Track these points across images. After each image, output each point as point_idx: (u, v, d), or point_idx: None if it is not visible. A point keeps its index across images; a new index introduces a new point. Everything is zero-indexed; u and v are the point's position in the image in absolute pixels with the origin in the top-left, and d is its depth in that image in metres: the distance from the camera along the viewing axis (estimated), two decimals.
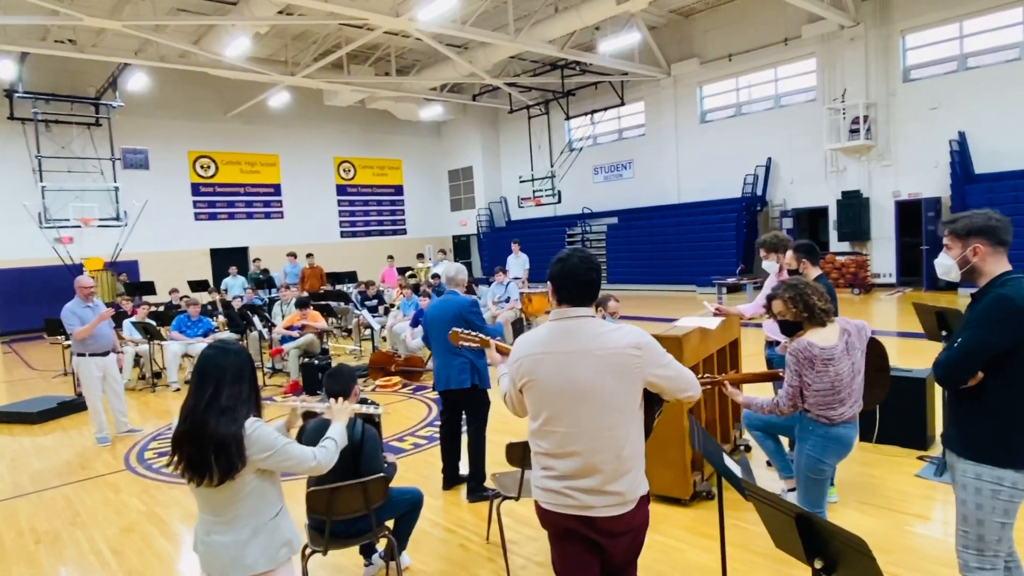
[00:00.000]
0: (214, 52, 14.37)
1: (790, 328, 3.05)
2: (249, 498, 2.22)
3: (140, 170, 18.21)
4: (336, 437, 2.49)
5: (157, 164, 18.59)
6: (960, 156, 13.23)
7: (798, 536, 1.92)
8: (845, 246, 15.20)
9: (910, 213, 14.38)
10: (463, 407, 4.72)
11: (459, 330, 3.00)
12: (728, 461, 2.68)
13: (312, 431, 3.08)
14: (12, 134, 16.24)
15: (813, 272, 4.11)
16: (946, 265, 2.36)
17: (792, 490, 3.60)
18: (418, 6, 12.10)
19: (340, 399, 2.71)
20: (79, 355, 6.40)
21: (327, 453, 2.39)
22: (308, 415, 3.19)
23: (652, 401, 2.24)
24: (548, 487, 2.15)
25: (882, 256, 14.81)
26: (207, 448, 2.13)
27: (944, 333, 4.40)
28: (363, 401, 3.48)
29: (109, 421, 6.70)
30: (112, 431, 6.73)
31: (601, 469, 2.08)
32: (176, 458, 2.20)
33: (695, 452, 4.25)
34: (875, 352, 3.22)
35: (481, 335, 2.97)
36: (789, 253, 4.43)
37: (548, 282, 2.23)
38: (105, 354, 6.53)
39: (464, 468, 4.78)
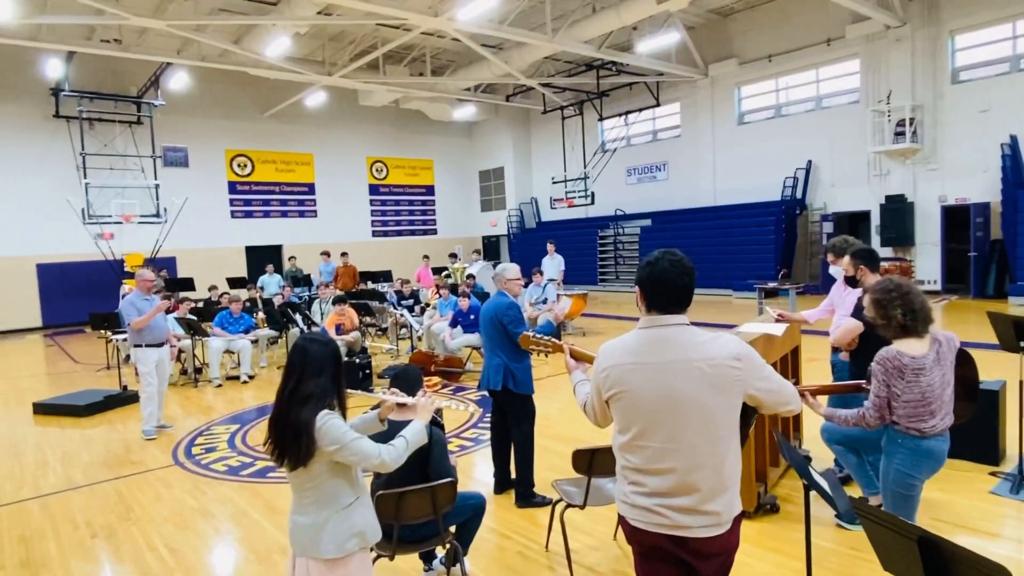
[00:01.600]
0: (254, 51, 14.53)
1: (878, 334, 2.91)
2: (321, 487, 2.31)
3: (179, 168, 18.52)
4: (409, 437, 2.47)
5: (196, 162, 18.89)
6: (1012, 160, 12.81)
7: (919, 560, 1.79)
8: (888, 251, 14.82)
9: (957, 219, 13.97)
10: (506, 409, 4.64)
11: (530, 334, 2.94)
12: (816, 477, 2.57)
13: (382, 433, 3.03)
14: (57, 132, 16.60)
15: (872, 279, 3.93)
16: None
17: (879, 506, 3.46)
18: (457, 6, 12.08)
19: (421, 392, 2.68)
20: (136, 345, 6.52)
21: (395, 452, 2.39)
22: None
23: (746, 412, 2.13)
24: (637, 503, 2.03)
25: (927, 262, 14.41)
26: (287, 433, 2.26)
27: (1022, 344, 4.21)
28: None
29: None
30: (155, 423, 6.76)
31: (699, 487, 1.97)
32: (269, 439, 2.33)
33: (759, 463, 4.13)
34: (965, 364, 3.07)
35: (553, 340, 2.90)
36: (846, 259, 4.25)
37: (636, 286, 2.10)
38: (160, 345, 6.66)
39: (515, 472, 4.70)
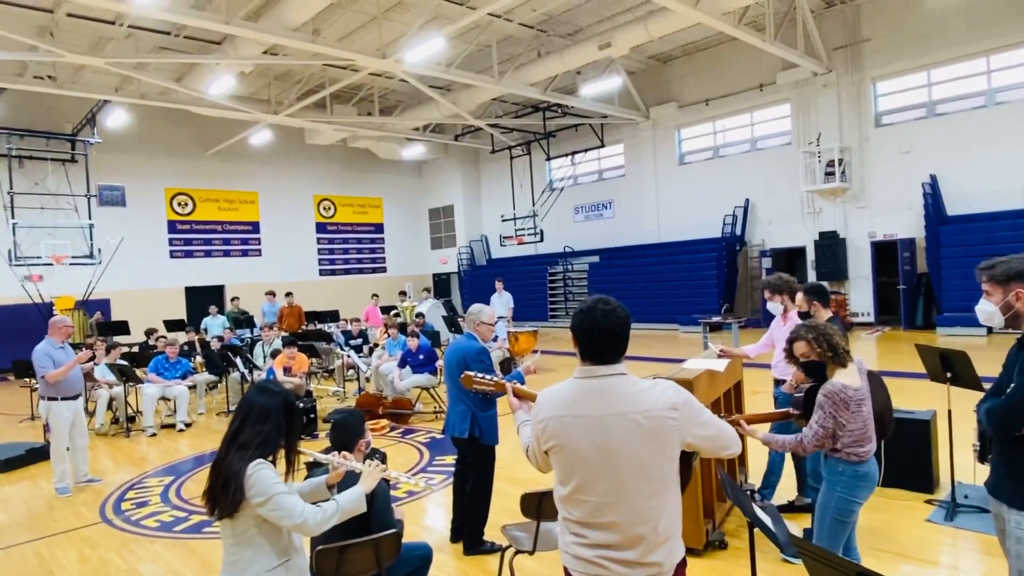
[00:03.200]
0: (196, 90, 14.31)
1: (814, 370, 3.01)
2: (245, 544, 2.22)
3: (116, 207, 17.91)
4: (343, 502, 2.36)
5: (133, 201, 18.31)
6: (932, 198, 13.61)
7: None
8: (823, 286, 15.40)
9: (886, 253, 14.69)
10: (467, 457, 4.55)
11: (472, 374, 2.84)
12: (760, 513, 2.59)
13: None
14: None
15: (825, 314, 4.08)
16: (988, 312, 2.34)
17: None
18: (404, 48, 12.23)
19: (369, 462, 2.58)
20: (50, 399, 6.09)
21: (320, 515, 2.27)
22: (314, 464, 3.04)
23: (686, 455, 2.13)
24: (580, 555, 2.00)
25: (860, 295, 15.05)
26: (219, 479, 2.20)
27: (949, 375, 4.40)
28: (372, 452, 3.34)
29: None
30: (70, 480, 6.34)
31: (640, 541, 1.94)
32: (207, 484, 2.26)
33: (707, 499, 4.15)
34: (876, 385, 3.22)
35: (496, 379, 2.84)
36: (799, 296, 4.39)
37: (571, 333, 2.07)
38: (75, 397, 6.26)
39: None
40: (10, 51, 11.94)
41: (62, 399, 6.10)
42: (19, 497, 6.25)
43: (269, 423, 2.26)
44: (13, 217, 15.66)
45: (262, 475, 2.19)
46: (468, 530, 4.39)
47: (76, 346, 9.29)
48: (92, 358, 8.37)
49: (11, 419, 10.23)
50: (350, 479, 2.59)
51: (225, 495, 2.17)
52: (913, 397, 6.11)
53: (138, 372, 9.27)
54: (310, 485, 2.57)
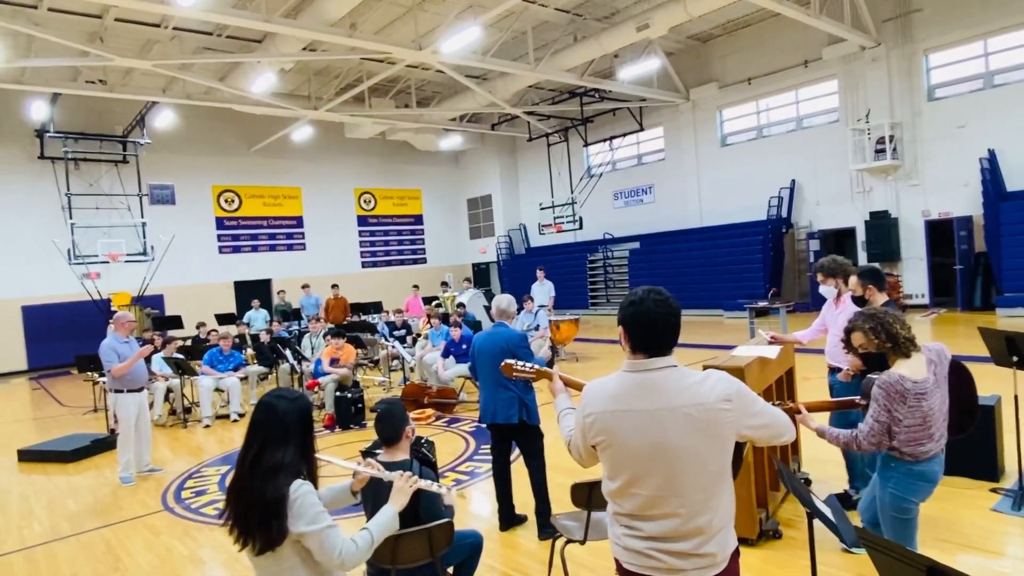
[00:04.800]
0: (239, 88, 14.62)
1: (874, 361, 2.89)
2: None
3: (166, 205, 18.49)
4: (376, 531, 2.24)
5: (182, 199, 18.87)
6: (991, 174, 13.02)
7: None
8: (879, 269, 14.91)
9: (941, 233, 14.13)
10: (513, 441, 4.58)
11: (512, 362, 2.80)
12: (820, 505, 2.53)
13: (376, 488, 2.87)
14: (42, 173, 16.55)
15: (880, 298, 3.92)
16: None
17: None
18: (440, 39, 12.24)
19: (400, 473, 2.50)
20: (117, 391, 6.35)
21: (356, 554, 2.13)
22: (369, 451, 3.07)
23: (738, 443, 2.08)
24: (631, 547, 1.97)
25: (914, 277, 14.53)
26: (251, 511, 2.02)
27: (1015, 359, 4.22)
28: (418, 440, 3.37)
29: None
30: (133, 469, 6.60)
31: (695, 533, 1.91)
32: (228, 509, 2.10)
33: (760, 488, 4.07)
34: (960, 377, 3.06)
35: (537, 366, 2.82)
36: (853, 279, 4.22)
37: (619, 326, 2.01)
38: (140, 390, 6.51)
39: (519, 508, 4.62)
40: (63, 57, 12.39)
41: (128, 391, 6.36)
42: (86, 486, 6.54)
43: (291, 440, 2.11)
44: (71, 217, 16.32)
45: (308, 500, 2.03)
46: (541, 510, 4.40)
47: (137, 340, 9.65)
48: (154, 352, 8.70)
49: (75, 411, 10.70)
50: (384, 484, 2.48)
51: (265, 530, 1.98)
52: (979, 382, 5.87)
53: (192, 365, 9.57)
54: (331, 493, 2.48)
